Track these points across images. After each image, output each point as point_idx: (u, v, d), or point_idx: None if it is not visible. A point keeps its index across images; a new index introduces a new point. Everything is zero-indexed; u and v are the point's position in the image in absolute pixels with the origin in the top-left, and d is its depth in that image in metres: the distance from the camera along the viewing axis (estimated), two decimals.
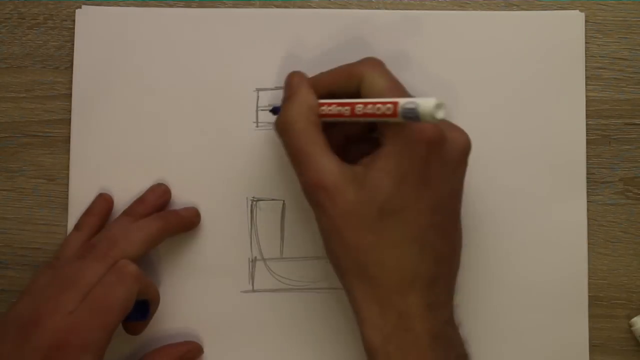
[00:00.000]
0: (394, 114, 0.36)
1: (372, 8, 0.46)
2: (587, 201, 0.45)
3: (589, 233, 0.45)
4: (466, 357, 0.39)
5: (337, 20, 0.46)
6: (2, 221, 0.46)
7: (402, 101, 0.35)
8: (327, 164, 0.38)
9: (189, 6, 0.46)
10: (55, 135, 0.46)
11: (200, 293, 0.45)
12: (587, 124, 0.45)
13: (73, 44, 0.46)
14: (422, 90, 0.45)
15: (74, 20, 0.46)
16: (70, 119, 0.46)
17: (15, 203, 0.46)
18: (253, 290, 0.45)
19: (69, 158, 0.46)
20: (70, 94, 0.46)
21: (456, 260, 0.40)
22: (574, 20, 0.45)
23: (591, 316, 0.44)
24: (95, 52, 0.46)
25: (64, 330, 0.38)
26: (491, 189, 0.45)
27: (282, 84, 0.41)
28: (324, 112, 0.39)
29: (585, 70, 0.45)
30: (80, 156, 0.46)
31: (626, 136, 0.45)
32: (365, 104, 0.37)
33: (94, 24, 0.46)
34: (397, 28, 0.45)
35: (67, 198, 0.46)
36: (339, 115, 0.38)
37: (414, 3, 0.46)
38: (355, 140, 0.41)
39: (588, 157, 0.45)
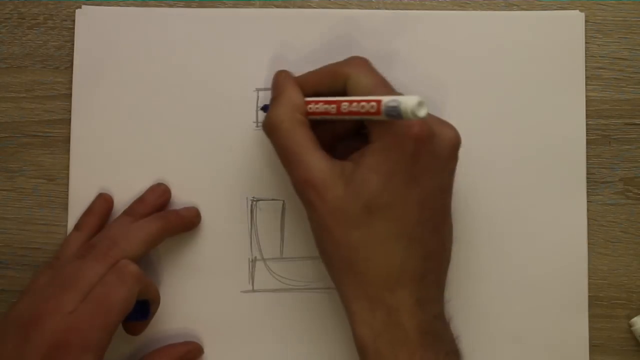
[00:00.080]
0: (378, 112, 0.36)
1: (372, 8, 0.46)
2: (587, 201, 0.45)
3: (589, 233, 0.45)
4: (457, 352, 0.39)
5: (337, 21, 0.46)
6: (2, 221, 0.46)
7: (385, 99, 0.36)
8: (315, 162, 0.38)
9: (189, 6, 0.46)
10: (55, 135, 0.46)
11: (200, 293, 0.45)
12: (587, 124, 0.45)
13: (73, 44, 0.46)
14: (421, 91, 0.45)
15: (74, 20, 0.46)
16: (70, 119, 0.46)
17: (15, 203, 0.46)
18: (253, 290, 0.45)
19: (69, 158, 0.46)
20: (70, 94, 0.46)
21: (446, 255, 0.40)
22: (574, 20, 0.45)
23: (591, 316, 0.44)
24: (95, 52, 0.46)
25: (64, 330, 0.38)
26: (491, 189, 0.45)
27: None
28: (311, 110, 0.39)
29: (585, 70, 0.45)
30: (80, 156, 0.46)
31: (626, 136, 0.45)
32: (351, 102, 0.37)
33: (94, 24, 0.46)
34: (398, 28, 0.45)
35: (67, 198, 0.46)
36: (326, 113, 0.39)
37: (414, 3, 0.46)
38: (347, 136, 0.42)
39: (588, 157, 0.45)
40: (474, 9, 0.46)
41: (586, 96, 0.45)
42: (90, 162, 0.46)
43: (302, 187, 0.38)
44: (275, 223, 0.45)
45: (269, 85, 0.43)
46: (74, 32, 0.46)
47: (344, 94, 0.39)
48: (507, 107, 0.45)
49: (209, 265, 0.45)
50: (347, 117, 0.38)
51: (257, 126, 0.45)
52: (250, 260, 0.45)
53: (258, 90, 0.45)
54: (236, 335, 0.45)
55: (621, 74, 0.46)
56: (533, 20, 0.45)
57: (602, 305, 0.45)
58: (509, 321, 0.44)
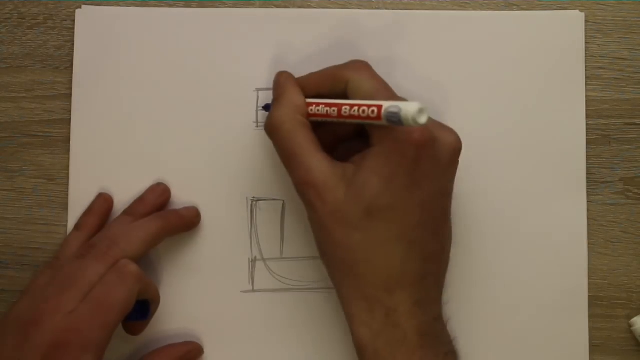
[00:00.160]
0: (378, 117, 0.36)
1: (372, 8, 0.46)
2: (587, 201, 0.45)
3: (589, 233, 0.45)
4: (455, 353, 0.39)
5: (337, 21, 0.46)
6: (2, 221, 0.46)
7: (386, 105, 0.35)
8: (316, 163, 0.38)
9: (189, 6, 0.46)
10: (55, 135, 0.46)
11: (200, 293, 0.45)
12: (587, 124, 0.45)
13: (73, 44, 0.46)
14: (421, 90, 0.45)
15: (74, 20, 0.46)
16: (70, 119, 0.46)
17: (15, 203, 0.46)
18: (253, 290, 0.45)
19: (69, 158, 0.46)
20: (70, 94, 0.46)
21: (445, 257, 0.41)
22: (574, 20, 0.45)
23: (591, 316, 0.44)
24: (95, 52, 0.46)
25: (64, 329, 0.38)
26: (492, 189, 0.45)
27: None
28: (312, 112, 0.40)
29: (585, 70, 0.45)
30: (80, 156, 0.46)
31: (626, 136, 0.45)
32: (352, 105, 0.37)
33: (94, 24, 0.46)
34: (398, 28, 0.45)
35: (67, 198, 0.46)
36: (327, 115, 0.39)
37: (414, 3, 0.46)
38: (348, 138, 0.42)
39: (588, 157, 0.45)
40: (474, 9, 0.46)
41: (586, 96, 0.45)
42: (90, 162, 0.46)
43: (303, 188, 0.38)
44: (276, 223, 0.45)
45: (269, 85, 0.43)
46: (74, 32, 0.46)
47: (345, 96, 0.39)
48: (507, 107, 0.45)
49: (209, 265, 0.45)
50: (347, 121, 0.38)
51: (257, 126, 0.45)
52: (250, 260, 0.45)
53: (258, 90, 0.45)
54: (236, 335, 0.45)
55: (621, 74, 0.46)
56: (533, 20, 0.45)
57: (602, 305, 0.45)
58: (508, 321, 0.44)
